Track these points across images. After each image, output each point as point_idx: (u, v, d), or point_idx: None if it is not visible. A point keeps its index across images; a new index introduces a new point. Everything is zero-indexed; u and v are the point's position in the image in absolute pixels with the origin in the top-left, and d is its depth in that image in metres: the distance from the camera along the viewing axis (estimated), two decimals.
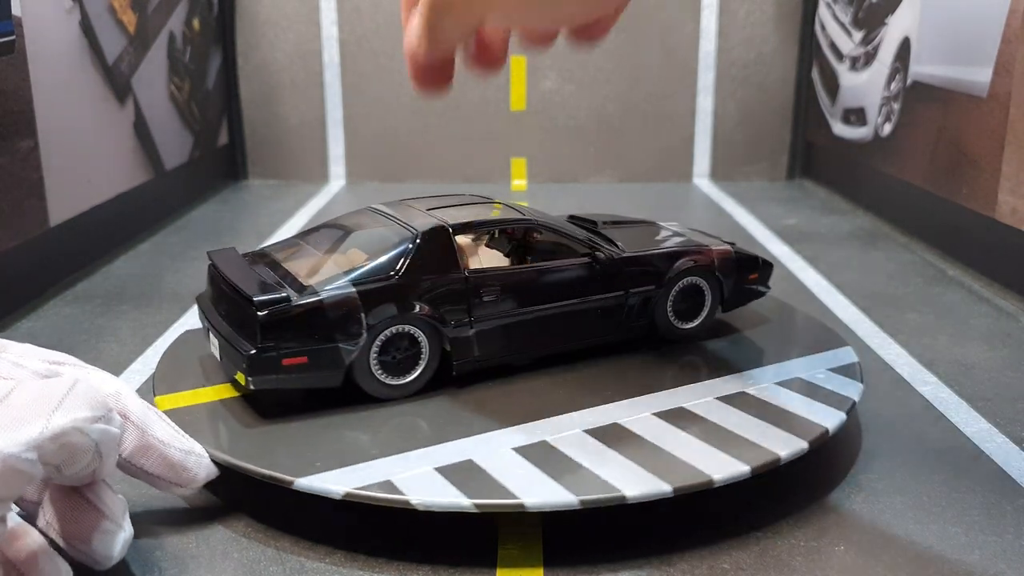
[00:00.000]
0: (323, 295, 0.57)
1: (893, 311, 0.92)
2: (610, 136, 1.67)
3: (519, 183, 1.66)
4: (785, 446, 0.54)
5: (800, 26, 1.63)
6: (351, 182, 1.67)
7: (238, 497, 0.56)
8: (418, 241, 0.61)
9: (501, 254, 0.67)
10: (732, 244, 0.74)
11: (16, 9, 0.93)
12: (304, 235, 0.69)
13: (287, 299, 0.57)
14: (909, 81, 1.23)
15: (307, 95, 1.65)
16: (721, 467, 0.51)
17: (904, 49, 1.25)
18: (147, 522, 0.54)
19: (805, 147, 1.66)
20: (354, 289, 0.58)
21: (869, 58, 1.38)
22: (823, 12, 1.58)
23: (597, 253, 0.67)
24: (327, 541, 0.52)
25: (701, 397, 0.61)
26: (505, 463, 0.53)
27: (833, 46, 1.53)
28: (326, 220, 0.73)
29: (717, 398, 0.61)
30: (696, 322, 0.72)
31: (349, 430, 0.56)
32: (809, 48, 1.63)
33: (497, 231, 0.71)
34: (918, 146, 1.20)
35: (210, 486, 0.57)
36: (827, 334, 0.73)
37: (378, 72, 1.64)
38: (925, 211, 1.18)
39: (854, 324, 0.88)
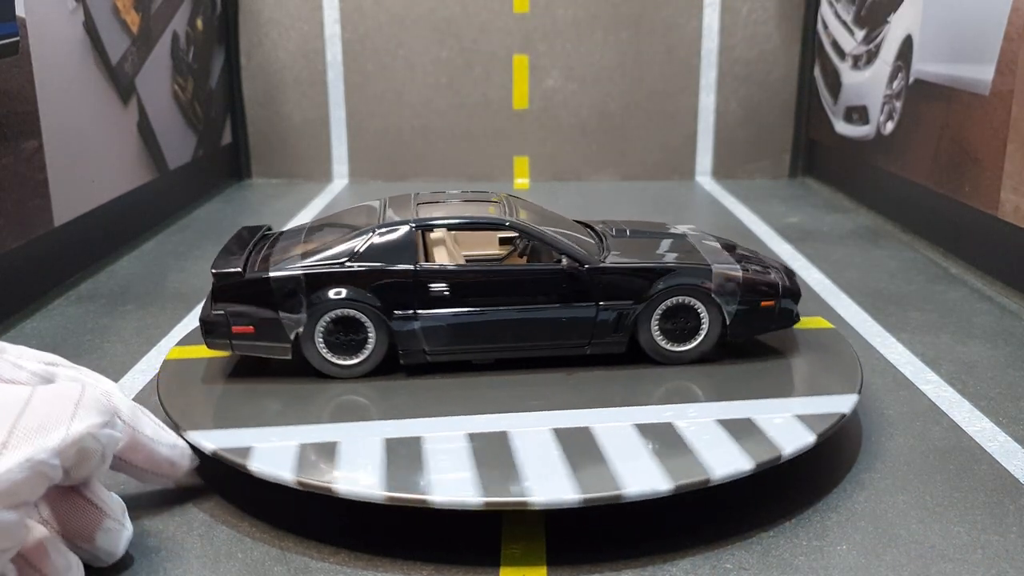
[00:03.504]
0: (271, 273, 0.63)
1: (895, 309, 0.92)
2: (612, 134, 1.67)
3: (522, 181, 1.66)
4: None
5: (802, 24, 1.63)
6: (354, 181, 1.68)
7: (243, 497, 0.56)
8: (374, 233, 0.65)
9: (483, 252, 0.70)
10: (755, 267, 0.67)
11: (20, 10, 0.93)
12: (321, 220, 0.73)
13: (239, 273, 0.63)
14: (911, 79, 1.23)
15: (310, 94, 1.65)
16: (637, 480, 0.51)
17: (906, 47, 1.25)
18: (150, 522, 0.54)
19: (807, 145, 1.66)
20: (301, 271, 0.63)
21: (871, 56, 1.38)
22: (825, 10, 1.58)
23: (564, 260, 0.64)
24: (331, 540, 0.52)
25: (611, 421, 0.58)
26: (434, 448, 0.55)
27: (835, 44, 1.53)
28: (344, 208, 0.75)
29: (634, 424, 0.57)
30: (690, 346, 0.66)
31: (277, 397, 0.62)
32: (811, 46, 1.63)
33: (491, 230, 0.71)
34: (920, 144, 1.20)
35: (215, 486, 0.57)
36: (845, 376, 0.64)
37: (381, 71, 1.64)
38: (928, 209, 1.18)
39: (856, 322, 0.88)
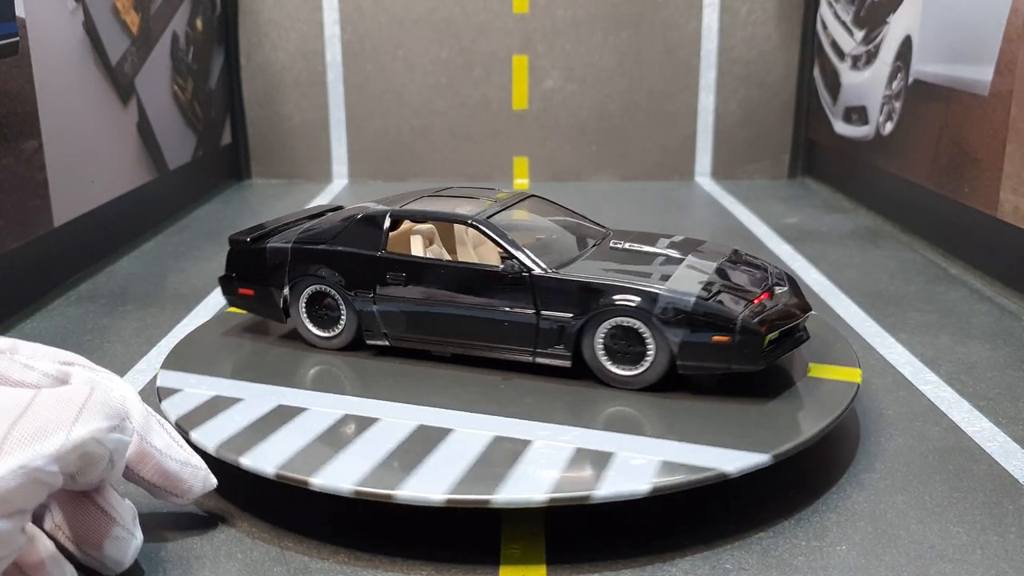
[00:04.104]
0: (268, 244, 0.70)
1: (895, 310, 0.92)
2: (612, 135, 1.67)
3: (521, 182, 1.66)
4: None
5: (801, 25, 1.63)
6: (353, 181, 1.68)
7: (243, 496, 0.56)
8: (355, 219, 0.69)
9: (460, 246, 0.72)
10: (727, 296, 0.61)
11: (20, 10, 0.93)
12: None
13: (246, 241, 0.71)
14: (911, 80, 1.23)
15: (310, 94, 1.65)
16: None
17: (906, 48, 1.25)
18: (152, 522, 0.54)
19: (807, 145, 1.67)
20: (290, 246, 0.69)
21: (870, 57, 1.38)
22: (824, 11, 1.58)
23: (507, 263, 0.63)
24: (332, 540, 0.52)
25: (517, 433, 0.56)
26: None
27: (835, 45, 1.53)
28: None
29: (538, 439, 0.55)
30: (635, 371, 0.61)
31: (251, 355, 0.69)
32: (811, 47, 1.63)
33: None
34: (920, 145, 1.20)
35: (217, 486, 0.57)
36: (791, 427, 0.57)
37: (381, 71, 1.64)
38: (927, 210, 1.18)
39: (856, 323, 0.88)
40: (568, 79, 1.65)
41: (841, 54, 1.50)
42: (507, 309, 0.63)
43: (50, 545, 0.44)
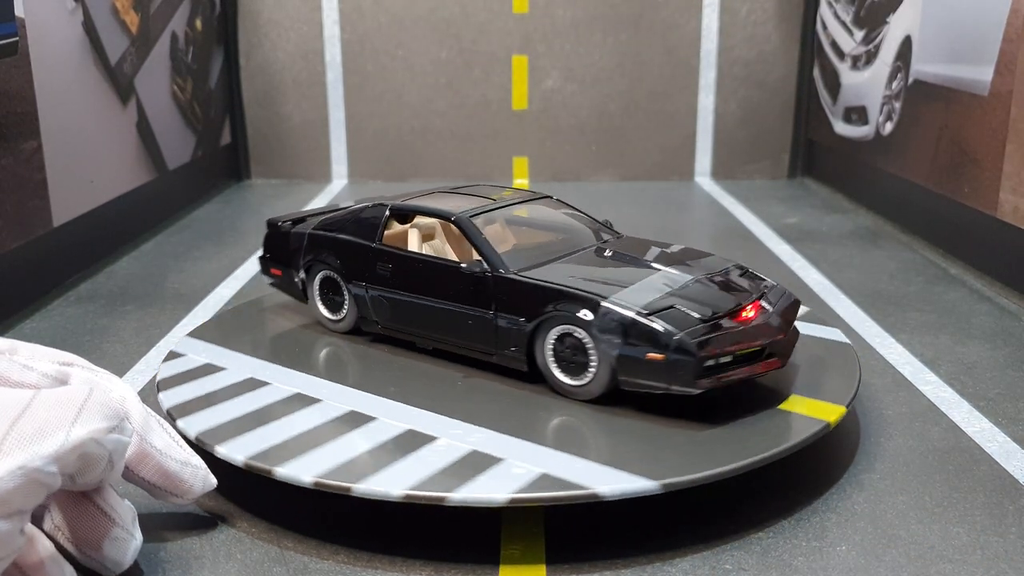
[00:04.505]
0: (292, 230, 0.75)
1: (895, 310, 0.92)
2: (612, 135, 1.67)
3: (521, 182, 1.66)
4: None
5: (801, 25, 1.63)
6: (353, 181, 1.68)
7: (243, 496, 0.56)
8: (360, 211, 0.72)
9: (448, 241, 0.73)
10: (679, 310, 0.57)
11: (19, 10, 0.93)
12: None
13: (277, 226, 0.77)
14: (910, 80, 1.23)
15: (309, 94, 1.65)
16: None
17: (905, 48, 1.25)
18: (151, 522, 0.54)
19: (807, 146, 1.67)
20: (307, 232, 0.74)
21: (870, 57, 1.38)
22: (824, 11, 1.58)
23: (471, 261, 0.64)
24: (331, 540, 0.52)
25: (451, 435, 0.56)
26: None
27: (834, 45, 1.53)
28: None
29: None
30: (580, 382, 0.60)
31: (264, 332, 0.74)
32: (810, 47, 1.63)
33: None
34: (920, 145, 1.20)
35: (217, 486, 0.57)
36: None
37: (380, 71, 1.64)
38: (927, 210, 1.18)
39: (855, 323, 0.88)
40: (568, 79, 1.65)
41: (841, 54, 1.50)
42: (469, 307, 0.64)
43: (49, 545, 0.44)
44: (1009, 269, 0.97)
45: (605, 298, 0.58)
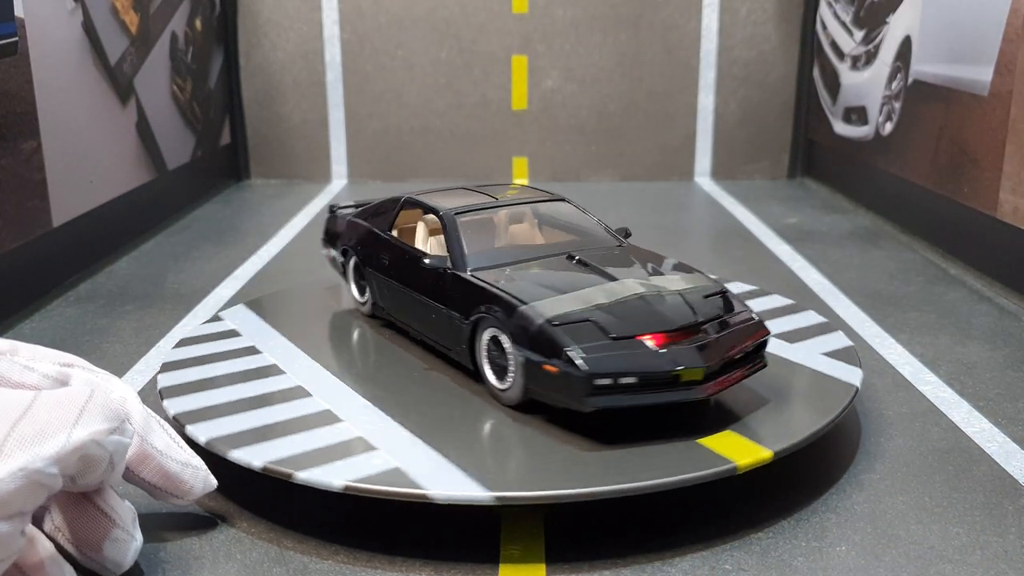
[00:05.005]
0: (340, 215, 0.82)
1: (894, 310, 0.92)
2: (611, 135, 1.67)
3: (520, 182, 1.66)
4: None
5: (801, 25, 1.63)
6: (353, 181, 1.68)
7: (243, 496, 0.56)
8: (384, 202, 0.77)
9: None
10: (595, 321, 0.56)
11: (19, 10, 0.93)
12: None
13: (333, 211, 0.84)
14: (910, 80, 1.23)
15: (309, 95, 1.65)
16: None
17: (905, 48, 1.25)
18: (151, 523, 0.54)
19: (806, 146, 1.67)
20: (347, 219, 0.79)
21: (870, 57, 1.38)
22: (824, 11, 1.58)
23: (434, 257, 0.65)
24: (331, 540, 0.52)
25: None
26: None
27: (834, 45, 1.53)
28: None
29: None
30: (503, 386, 0.59)
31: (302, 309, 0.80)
32: (810, 47, 1.63)
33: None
34: (919, 145, 1.20)
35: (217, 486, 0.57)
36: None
37: (380, 71, 1.64)
38: (926, 210, 1.18)
39: (855, 323, 0.88)
40: (567, 79, 1.65)
41: (841, 54, 1.50)
42: (433, 300, 0.65)
43: (50, 546, 0.44)
44: (1009, 269, 0.97)
45: (524, 303, 0.57)
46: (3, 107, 0.90)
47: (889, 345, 0.82)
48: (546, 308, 0.57)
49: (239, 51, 1.63)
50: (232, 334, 0.74)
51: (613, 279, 0.61)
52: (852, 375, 0.64)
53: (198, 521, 0.54)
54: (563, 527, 0.53)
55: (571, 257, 0.65)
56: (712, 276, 0.66)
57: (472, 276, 0.62)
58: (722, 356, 0.56)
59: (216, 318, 0.78)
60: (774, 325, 0.74)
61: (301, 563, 0.50)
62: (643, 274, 0.63)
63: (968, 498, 0.56)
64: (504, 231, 0.71)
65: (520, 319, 0.57)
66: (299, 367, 0.67)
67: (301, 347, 0.71)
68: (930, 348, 0.81)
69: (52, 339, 0.85)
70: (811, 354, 0.68)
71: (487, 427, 0.57)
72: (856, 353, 0.68)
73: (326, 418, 0.58)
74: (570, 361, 0.54)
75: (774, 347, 0.69)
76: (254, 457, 0.53)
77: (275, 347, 0.71)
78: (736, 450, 0.53)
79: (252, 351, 0.70)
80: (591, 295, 0.59)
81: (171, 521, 0.54)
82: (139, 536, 0.48)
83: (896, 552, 0.50)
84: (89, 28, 1.10)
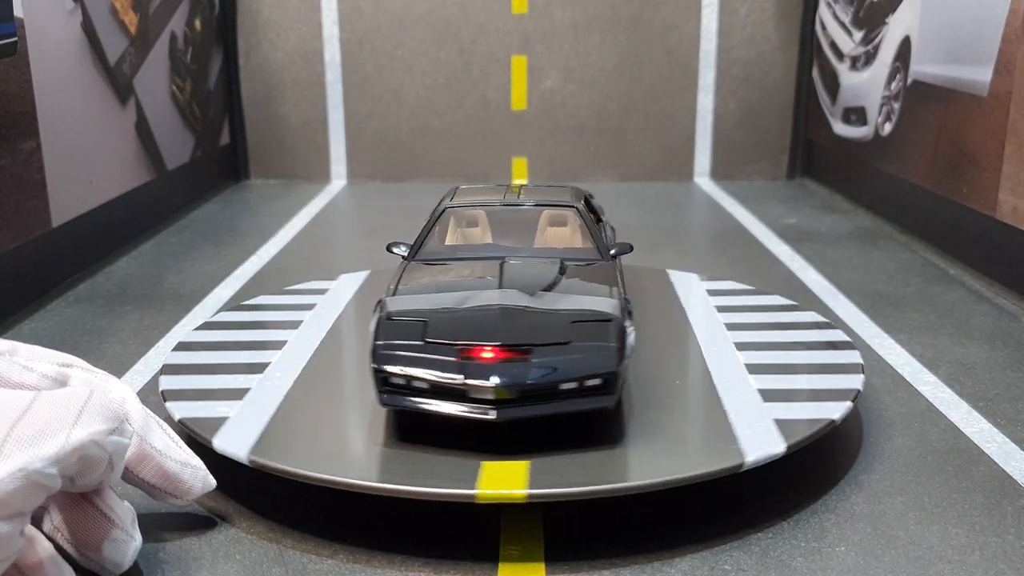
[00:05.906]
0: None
1: (894, 310, 0.92)
2: (611, 135, 1.67)
3: (519, 182, 1.66)
4: None
5: (800, 25, 1.63)
6: (352, 181, 1.68)
7: (242, 496, 0.56)
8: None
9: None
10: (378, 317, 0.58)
11: (18, 10, 0.93)
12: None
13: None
14: (909, 80, 1.23)
15: (308, 95, 1.65)
16: None
17: (904, 48, 1.25)
18: (150, 523, 0.54)
19: (806, 146, 1.67)
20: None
21: (869, 57, 1.38)
22: (823, 11, 1.58)
23: (402, 246, 0.72)
24: (331, 539, 0.52)
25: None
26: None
27: (833, 45, 1.53)
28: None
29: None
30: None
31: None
32: (810, 47, 1.63)
33: None
34: (919, 145, 1.20)
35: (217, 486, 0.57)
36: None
37: (379, 72, 1.64)
38: (926, 210, 1.18)
39: (854, 323, 0.88)
40: (567, 79, 1.65)
41: (840, 55, 1.50)
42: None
43: (49, 547, 0.44)
44: (1008, 269, 0.97)
45: (386, 296, 0.62)
46: (2, 107, 0.90)
47: (888, 345, 0.82)
48: (400, 304, 0.60)
49: (238, 51, 1.63)
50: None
51: (499, 288, 0.61)
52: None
53: (197, 521, 0.54)
54: (562, 527, 0.53)
55: (502, 261, 0.67)
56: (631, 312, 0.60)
57: (411, 266, 0.68)
58: (515, 389, 0.52)
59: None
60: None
61: (301, 563, 0.50)
62: (543, 290, 0.60)
63: (967, 498, 0.56)
64: (496, 231, 0.74)
65: (377, 311, 0.60)
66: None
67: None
68: (929, 348, 0.81)
69: (51, 339, 0.85)
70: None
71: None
72: (857, 353, 0.68)
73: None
74: (371, 352, 0.55)
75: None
76: (178, 412, 0.57)
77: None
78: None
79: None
80: (451, 299, 0.59)
81: (170, 521, 0.54)
82: (138, 536, 0.48)
83: (895, 552, 0.50)
84: (88, 28, 1.10)
